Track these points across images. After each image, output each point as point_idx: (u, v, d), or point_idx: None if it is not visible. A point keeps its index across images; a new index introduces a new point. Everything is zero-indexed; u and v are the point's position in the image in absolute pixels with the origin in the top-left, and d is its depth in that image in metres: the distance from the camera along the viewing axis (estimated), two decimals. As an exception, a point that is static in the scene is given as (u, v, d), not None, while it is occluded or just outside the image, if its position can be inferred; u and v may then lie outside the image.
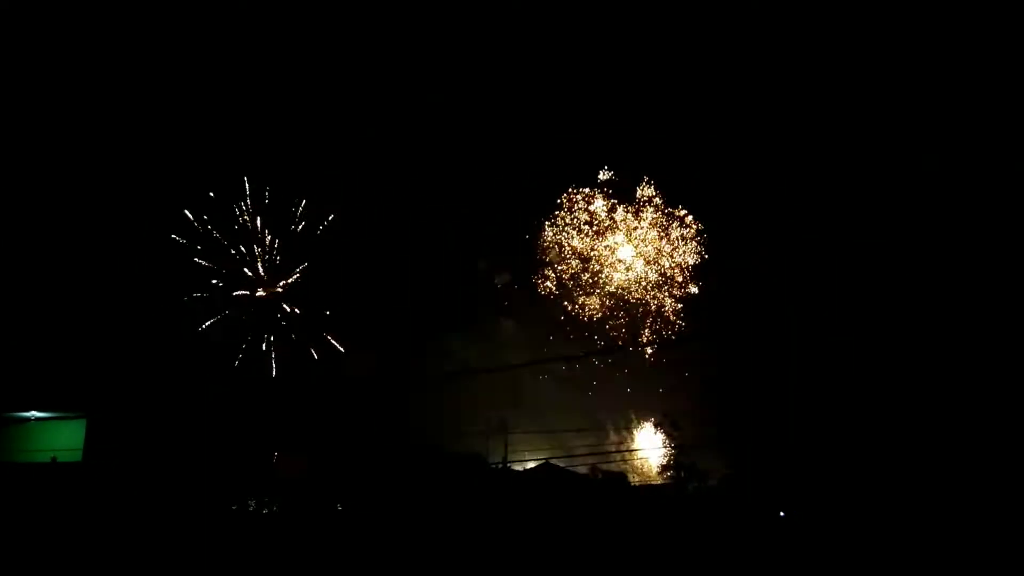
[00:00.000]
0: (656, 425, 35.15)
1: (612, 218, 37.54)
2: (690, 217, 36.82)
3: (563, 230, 37.79)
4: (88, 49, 36.23)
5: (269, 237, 37.69)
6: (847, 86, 35.05)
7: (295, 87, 38.46)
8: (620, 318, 36.98)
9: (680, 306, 36.72)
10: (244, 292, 37.59)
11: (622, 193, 38.06)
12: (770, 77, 36.44)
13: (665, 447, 34.49)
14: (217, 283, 37.52)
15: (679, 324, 36.62)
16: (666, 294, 36.95)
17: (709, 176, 36.82)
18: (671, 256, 36.86)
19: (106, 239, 36.50)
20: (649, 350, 36.79)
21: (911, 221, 33.21)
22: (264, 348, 38.02)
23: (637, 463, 34.96)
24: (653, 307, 36.86)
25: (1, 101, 34.81)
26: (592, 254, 37.46)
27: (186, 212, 36.87)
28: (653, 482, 34.02)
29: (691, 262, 36.70)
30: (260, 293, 37.72)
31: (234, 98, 38.11)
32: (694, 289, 36.78)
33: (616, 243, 37.29)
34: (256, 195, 37.62)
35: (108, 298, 35.98)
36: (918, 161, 33.28)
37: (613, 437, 35.82)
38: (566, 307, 37.24)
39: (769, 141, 36.51)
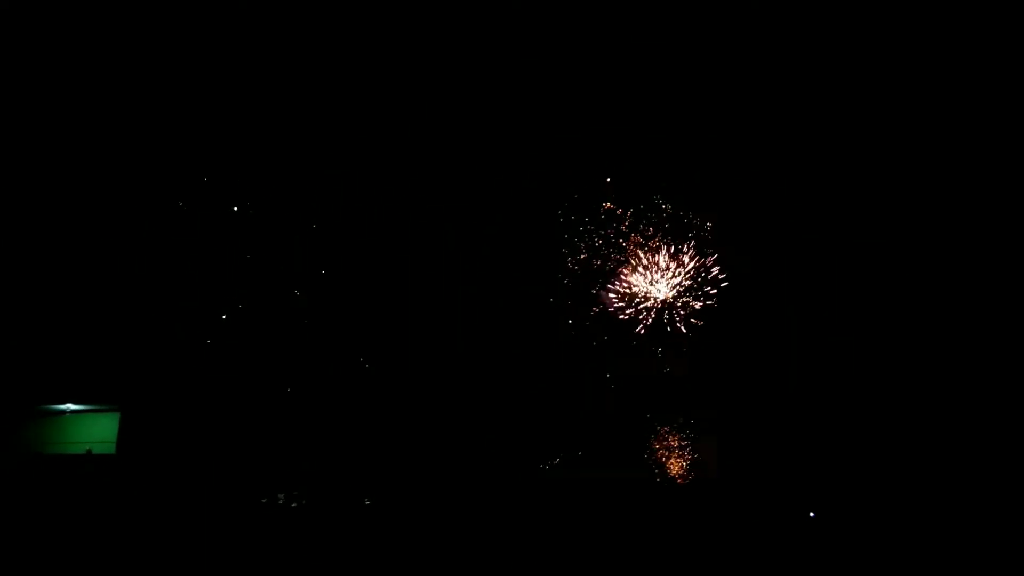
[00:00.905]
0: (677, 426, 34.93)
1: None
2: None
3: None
4: (87, 46, 36.51)
5: None
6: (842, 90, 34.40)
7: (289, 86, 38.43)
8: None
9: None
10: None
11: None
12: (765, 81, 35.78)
13: (690, 447, 34.27)
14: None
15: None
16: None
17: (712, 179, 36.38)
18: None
19: (140, 232, 36.91)
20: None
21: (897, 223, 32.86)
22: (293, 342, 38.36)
23: (661, 462, 34.73)
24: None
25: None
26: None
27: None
28: (678, 482, 33.82)
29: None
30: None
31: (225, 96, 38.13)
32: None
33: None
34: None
35: (141, 290, 36.41)
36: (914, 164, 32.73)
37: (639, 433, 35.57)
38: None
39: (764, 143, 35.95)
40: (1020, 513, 24.51)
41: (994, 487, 25.72)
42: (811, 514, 26.89)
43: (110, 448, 31.54)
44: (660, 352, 36.19)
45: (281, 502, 31.23)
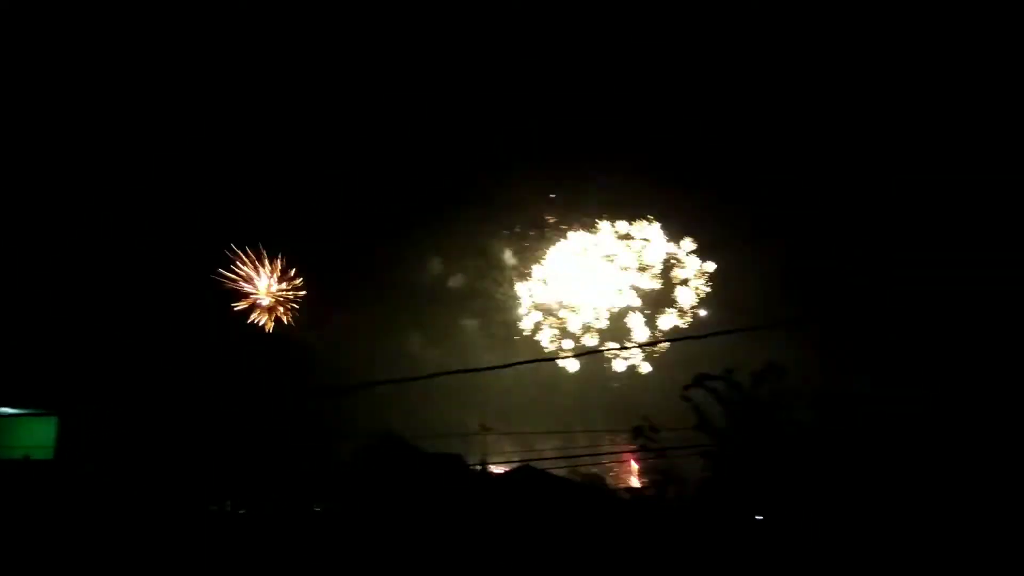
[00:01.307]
0: (635, 429, 35.43)
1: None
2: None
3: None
4: (78, 47, 35.91)
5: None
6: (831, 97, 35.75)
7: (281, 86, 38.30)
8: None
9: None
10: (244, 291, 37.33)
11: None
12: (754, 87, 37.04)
13: (644, 451, 34.80)
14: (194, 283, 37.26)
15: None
16: None
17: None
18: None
19: (80, 237, 36.06)
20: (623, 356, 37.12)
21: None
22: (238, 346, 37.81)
23: (616, 467, 35.26)
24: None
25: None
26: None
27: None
28: (631, 486, 34.35)
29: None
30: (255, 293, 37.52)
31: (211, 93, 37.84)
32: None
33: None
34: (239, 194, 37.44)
35: (81, 296, 35.53)
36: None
37: (592, 441, 36.05)
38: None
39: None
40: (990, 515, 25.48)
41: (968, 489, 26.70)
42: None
43: (48, 454, 30.53)
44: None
45: (229, 509, 30.60)
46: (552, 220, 38.52)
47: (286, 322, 39.81)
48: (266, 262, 38.87)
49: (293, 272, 39.75)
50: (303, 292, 39.39)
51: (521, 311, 38.18)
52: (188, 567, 25.48)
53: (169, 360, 35.85)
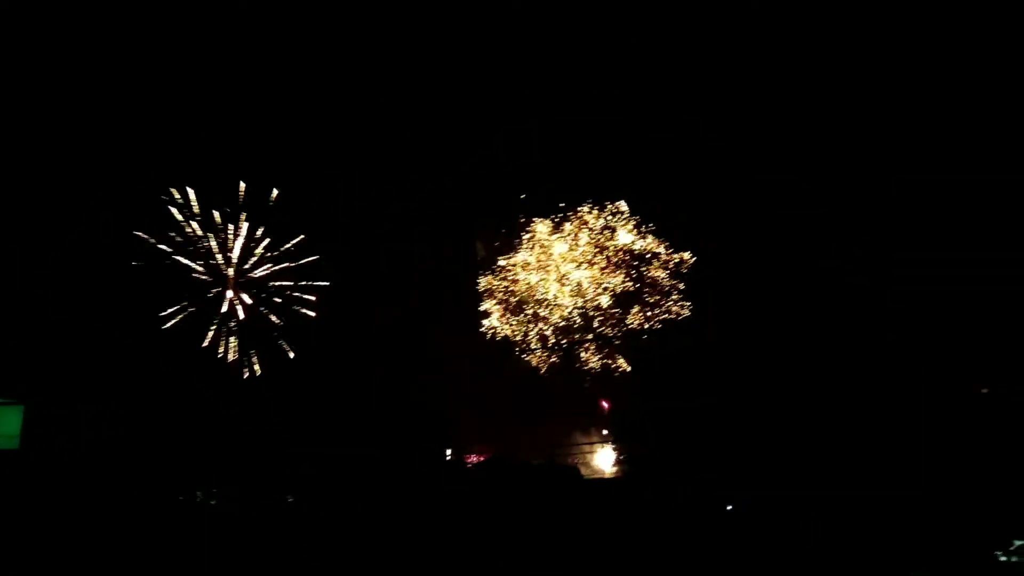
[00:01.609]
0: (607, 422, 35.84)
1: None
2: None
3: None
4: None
5: (232, 229, 37.11)
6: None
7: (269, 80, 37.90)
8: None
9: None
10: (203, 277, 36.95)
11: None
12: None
13: (617, 442, 35.14)
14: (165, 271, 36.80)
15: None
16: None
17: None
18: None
19: (47, 227, 35.48)
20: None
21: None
22: (211, 339, 37.43)
23: (589, 458, 35.49)
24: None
25: None
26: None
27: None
28: (605, 476, 34.61)
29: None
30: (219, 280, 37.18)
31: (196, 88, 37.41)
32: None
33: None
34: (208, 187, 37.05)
35: (47, 285, 34.95)
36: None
37: (567, 432, 36.23)
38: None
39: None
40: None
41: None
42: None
43: (13, 443, 30.06)
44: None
45: (200, 499, 30.24)
46: (523, 219, 38.48)
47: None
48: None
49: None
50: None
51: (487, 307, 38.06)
52: (156, 557, 25.15)
53: (137, 349, 35.36)
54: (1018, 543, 24.44)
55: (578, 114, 37.95)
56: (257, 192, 37.58)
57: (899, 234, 34.17)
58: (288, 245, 37.68)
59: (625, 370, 36.44)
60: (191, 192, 36.93)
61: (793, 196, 35.03)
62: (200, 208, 37.22)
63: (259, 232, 37.60)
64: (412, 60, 38.34)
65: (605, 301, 36.78)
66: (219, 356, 37.35)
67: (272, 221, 37.69)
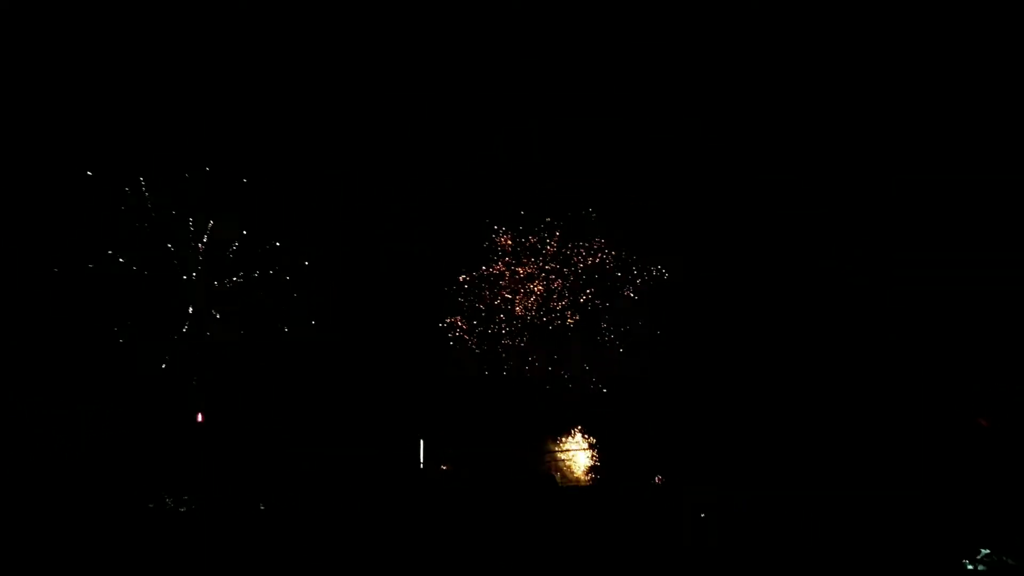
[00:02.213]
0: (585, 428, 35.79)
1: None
2: None
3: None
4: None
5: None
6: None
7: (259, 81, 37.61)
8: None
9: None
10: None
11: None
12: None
13: (593, 450, 35.14)
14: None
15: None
16: None
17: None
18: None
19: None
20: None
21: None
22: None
23: (565, 466, 35.45)
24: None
25: None
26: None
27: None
28: (581, 484, 34.63)
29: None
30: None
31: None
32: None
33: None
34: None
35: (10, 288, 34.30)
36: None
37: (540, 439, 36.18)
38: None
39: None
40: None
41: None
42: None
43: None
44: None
45: (169, 507, 29.80)
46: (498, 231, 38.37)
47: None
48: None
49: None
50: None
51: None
52: (122, 565, 24.77)
53: (102, 352, 34.68)
54: (985, 552, 24.76)
55: (578, 114, 38.13)
56: (255, 190, 37.06)
57: (899, 234, 34.31)
58: (277, 245, 37.19)
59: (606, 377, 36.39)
60: (173, 188, 36.34)
61: (793, 196, 35.26)
62: (182, 206, 36.66)
63: (246, 232, 37.11)
64: (412, 60, 38.33)
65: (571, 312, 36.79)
66: (191, 361, 36.81)
67: (266, 220, 37.19)
